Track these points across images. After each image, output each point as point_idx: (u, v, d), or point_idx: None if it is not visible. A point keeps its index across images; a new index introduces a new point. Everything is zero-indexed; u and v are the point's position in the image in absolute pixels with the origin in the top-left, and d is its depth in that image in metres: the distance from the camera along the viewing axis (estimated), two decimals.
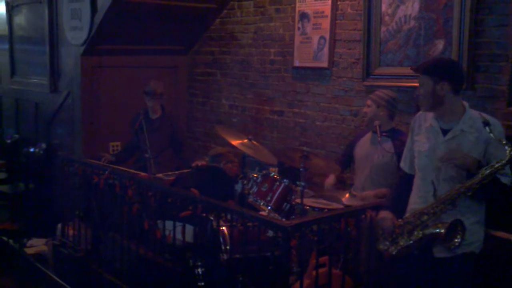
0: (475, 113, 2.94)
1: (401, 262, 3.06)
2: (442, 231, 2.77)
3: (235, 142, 4.33)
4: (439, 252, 2.91)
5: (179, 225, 3.80)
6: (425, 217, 2.87)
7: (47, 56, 6.23)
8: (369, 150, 4.07)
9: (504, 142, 2.73)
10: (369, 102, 4.08)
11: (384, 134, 3.96)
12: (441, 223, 2.81)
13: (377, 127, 3.92)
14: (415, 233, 2.89)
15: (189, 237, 3.81)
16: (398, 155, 3.76)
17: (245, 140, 4.34)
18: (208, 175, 4.53)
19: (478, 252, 2.95)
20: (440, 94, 2.90)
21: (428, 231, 2.84)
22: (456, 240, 2.79)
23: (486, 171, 2.73)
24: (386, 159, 3.94)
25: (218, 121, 6.12)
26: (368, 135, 4.15)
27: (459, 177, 2.85)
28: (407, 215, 3.00)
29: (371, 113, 4.04)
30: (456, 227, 2.79)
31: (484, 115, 2.89)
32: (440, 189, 2.90)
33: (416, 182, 3.07)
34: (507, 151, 2.70)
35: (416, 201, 3.02)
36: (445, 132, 2.94)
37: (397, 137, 3.94)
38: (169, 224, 3.88)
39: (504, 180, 2.83)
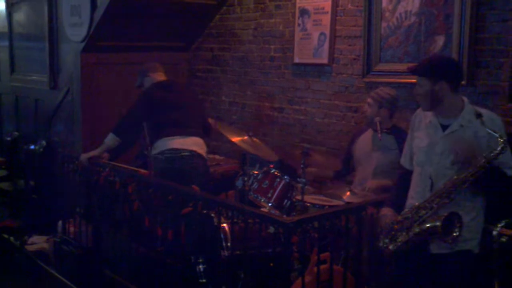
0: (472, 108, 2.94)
1: (399, 258, 3.06)
2: (438, 223, 2.76)
3: (235, 139, 4.33)
4: (435, 248, 2.91)
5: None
6: (423, 211, 2.87)
7: (46, 53, 6.22)
8: (371, 149, 4.02)
9: (497, 133, 2.72)
10: (370, 101, 3.99)
11: (385, 131, 3.94)
12: (438, 216, 2.81)
13: (378, 124, 3.86)
14: (413, 228, 2.89)
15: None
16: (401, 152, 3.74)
17: (245, 137, 4.34)
18: None
19: (478, 252, 2.94)
20: (439, 94, 2.89)
21: (425, 225, 2.84)
22: (454, 234, 2.79)
23: (480, 161, 2.73)
24: (390, 157, 3.89)
25: (218, 118, 6.11)
26: (368, 133, 4.11)
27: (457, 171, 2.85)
28: (405, 210, 3.01)
29: (373, 113, 3.96)
30: (453, 220, 2.78)
31: (483, 110, 2.88)
32: (437, 184, 2.90)
33: (414, 177, 3.07)
34: (500, 142, 2.71)
35: (413, 196, 3.03)
36: (444, 127, 2.94)
37: (400, 135, 3.89)
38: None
39: (510, 172, 2.83)
